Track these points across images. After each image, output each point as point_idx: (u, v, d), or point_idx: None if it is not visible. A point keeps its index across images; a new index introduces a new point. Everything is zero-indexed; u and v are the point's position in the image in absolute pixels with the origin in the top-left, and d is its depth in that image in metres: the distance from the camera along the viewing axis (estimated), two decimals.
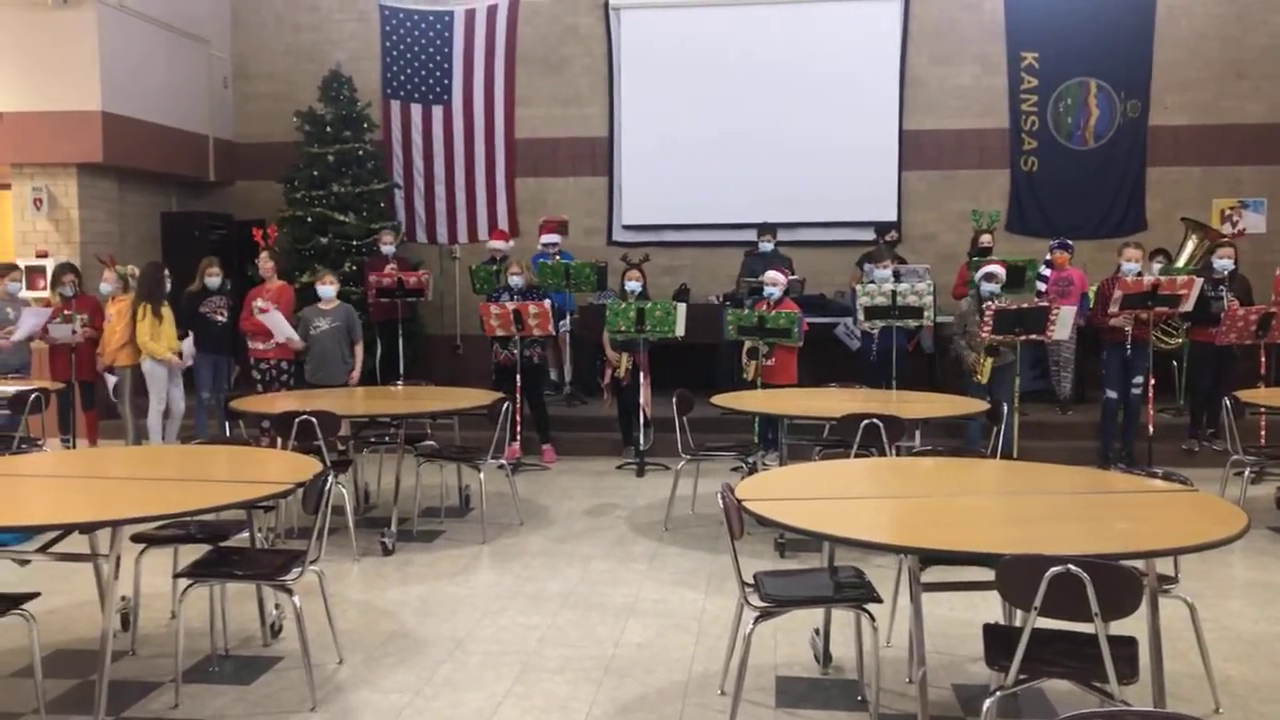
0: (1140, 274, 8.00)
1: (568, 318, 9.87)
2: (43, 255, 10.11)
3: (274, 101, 12.09)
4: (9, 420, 7.25)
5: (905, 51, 11.31)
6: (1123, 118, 11.06)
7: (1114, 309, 7.76)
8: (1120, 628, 2.95)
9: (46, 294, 9.23)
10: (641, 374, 8.46)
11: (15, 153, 10.14)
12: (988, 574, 3.08)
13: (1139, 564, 3.03)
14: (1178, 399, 9.49)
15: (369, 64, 11.85)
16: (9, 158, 10.21)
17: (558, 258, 9.95)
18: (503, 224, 11.74)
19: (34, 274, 9.76)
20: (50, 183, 10.22)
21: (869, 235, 10.68)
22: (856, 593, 3.68)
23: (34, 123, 10.03)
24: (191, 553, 4.33)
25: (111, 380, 8.46)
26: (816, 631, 4.36)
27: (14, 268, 8.66)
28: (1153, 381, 8.06)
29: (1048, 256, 9.27)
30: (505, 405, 6.51)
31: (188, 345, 8.29)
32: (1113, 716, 2.01)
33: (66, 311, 8.46)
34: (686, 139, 11.54)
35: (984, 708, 3.04)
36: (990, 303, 7.49)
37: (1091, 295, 8.83)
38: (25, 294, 8.84)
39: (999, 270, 7.84)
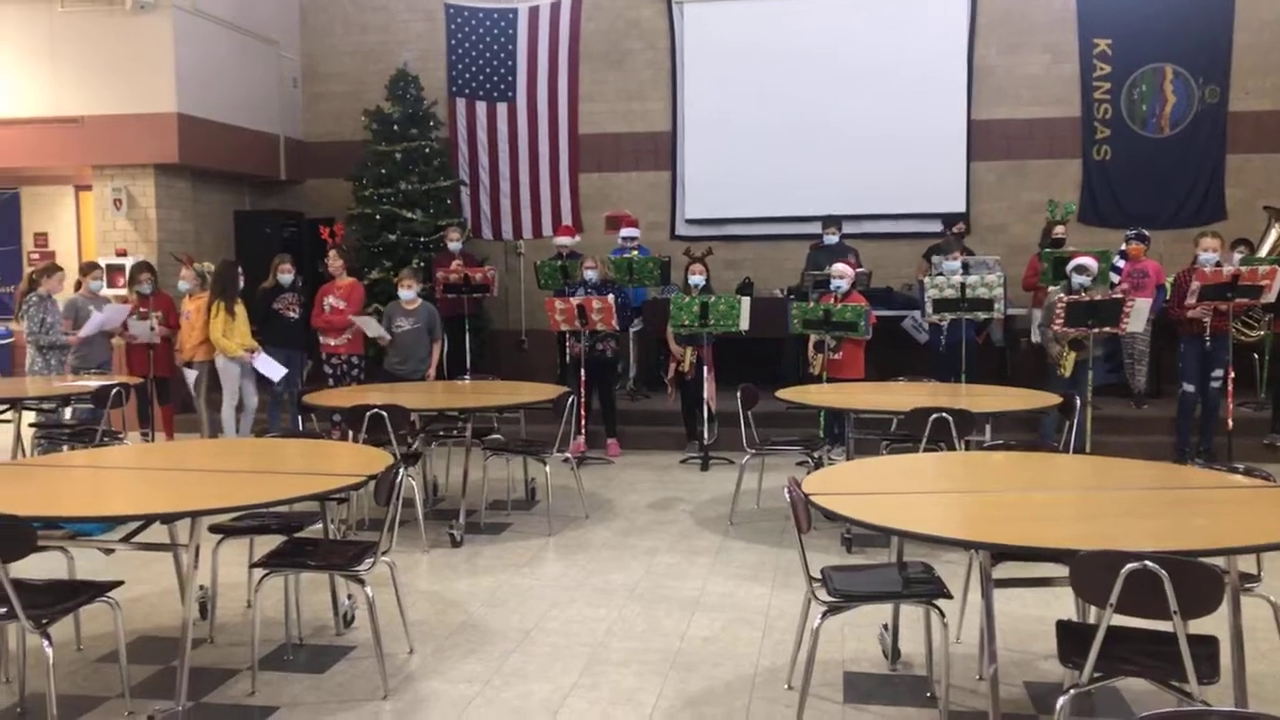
0: (1219, 264, 7.78)
1: (636, 319, 9.85)
2: (122, 254, 10.40)
3: (342, 101, 12.29)
4: (91, 414, 7.48)
5: (973, 41, 11.13)
6: (1200, 104, 10.77)
7: (1191, 300, 7.57)
8: (1200, 626, 2.88)
9: (124, 292, 9.49)
10: (705, 368, 8.45)
11: (95, 154, 10.44)
12: (1060, 570, 3.04)
13: (1220, 561, 2.95)
14: (1259, 392, 9.22)
15: (435, 63, 11.98)
16: (90, 159, 10.52)
17: (635, 252, 9.96)
18: (566, 220, 11.80)
19: (114, 272, 10.03)
20: (129, 183, 10.50)
21: (936, 227, 10.56)
22: (926, 588, 3.64)
23: (113, 125, 10.32)
24: (267, 543, 4.43)
25: (191, 375, 8.67)
26: (885, 627, 4.32)
27: (95, 266, 8.91)
28: (1232, 375, 7.84)
29: (1122, 247, 9.07)
30: (570, 399, 6.56)
31: (266, 364, 8.42)
32: (1194, 716, 1.97)
33: (143, 309, 8.68)
34: (750, 131, 11.49)
35: (1058, 705, 2.99)
36: (1062, 295, 7.34)
37: (1168, 287, 8.61)
38: (106, 292, 9.09)
39: (1091, 262, 7.65)
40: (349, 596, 4.74)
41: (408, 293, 8.14)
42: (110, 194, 10.53)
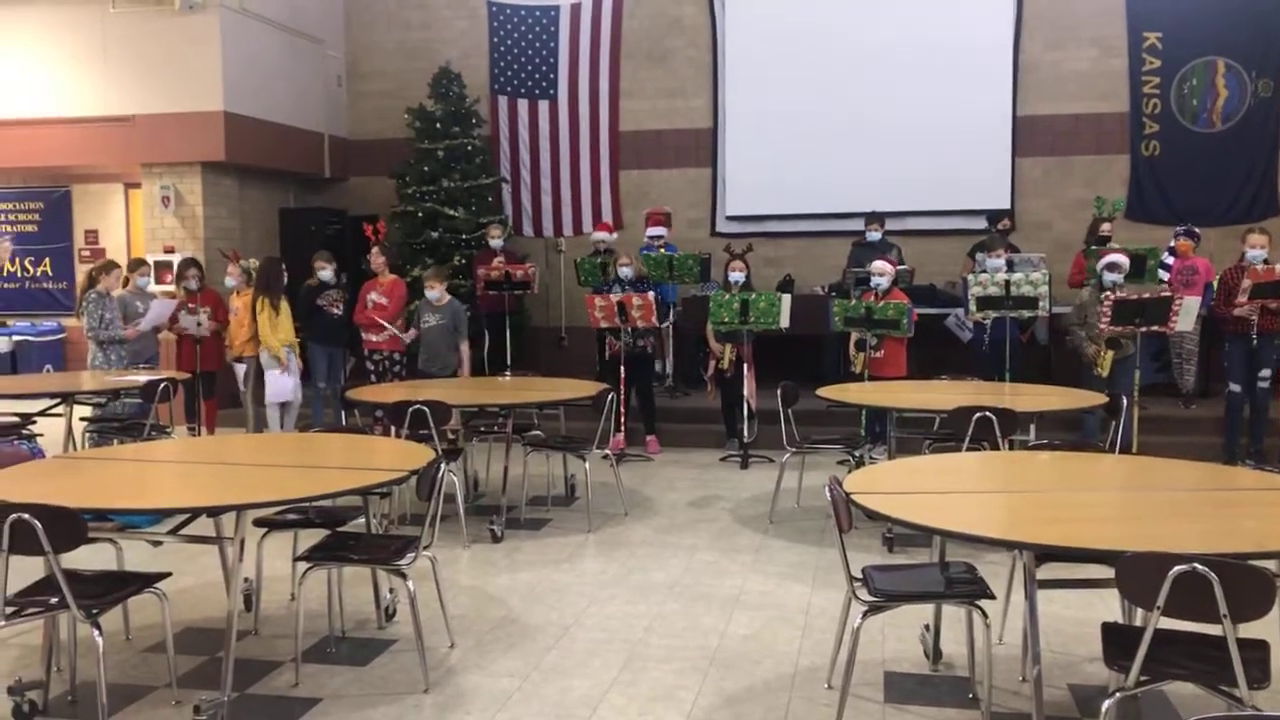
0: (1266, 260, 7.64)
1: (670, 311, 9.86)
2: (170, 251, 10.56)
3: (386, 99, 12.39)
4: (140, 408, 7.60)
5: (1019, 36, 11.00)
6: (1253, 98, 10.56)
7: (1242, 299, 7.44)
8: (1249, 630, 2.83)
9: (172, 288, 9.63)
10: (745, 366, 8.43)
11: (144, 153, 10.62)
12: (1105, 571, 2.99)
13: (1271, 564, 2.90)
14: None
15: (477, 60, 12.05)
16: (139, 158, 10.70)
17: (662, 250, 9.96)
18: (607, 216, 11.82)
19: (162, 269, 10.20)
20: (177, 181, 10.67)
21: (980, 224, 10.45)
22: (968, 588, 3.61)
23: (161, 124, 10.48)
24: (310, 537, 4.47)
25: (241, 369, 8.79)
26: (926, 627, 4.29)
27: (142, 263, 9.05)
28: None
29: (1171, 244, 8.92)
30: (610, 396, 6.57)
31: (287, 382, 8.57)
32: None
33: (191, 304, 8.81)
34: (792, 128, 11.44)
35: (1103, 709, 2.95)
36: (1109, 293, 7.24)
37: (1215, 285, 8.46)
38: (153, 288, 9.22)
39: (1123, 260, 7.56)
40: (391, 590, 4.78)
41: (434, 293, 8.14)
42: (159, 192, 10.70)
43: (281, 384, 8.46)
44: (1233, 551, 2.79)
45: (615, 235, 10.56)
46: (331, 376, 8.95)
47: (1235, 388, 7.89)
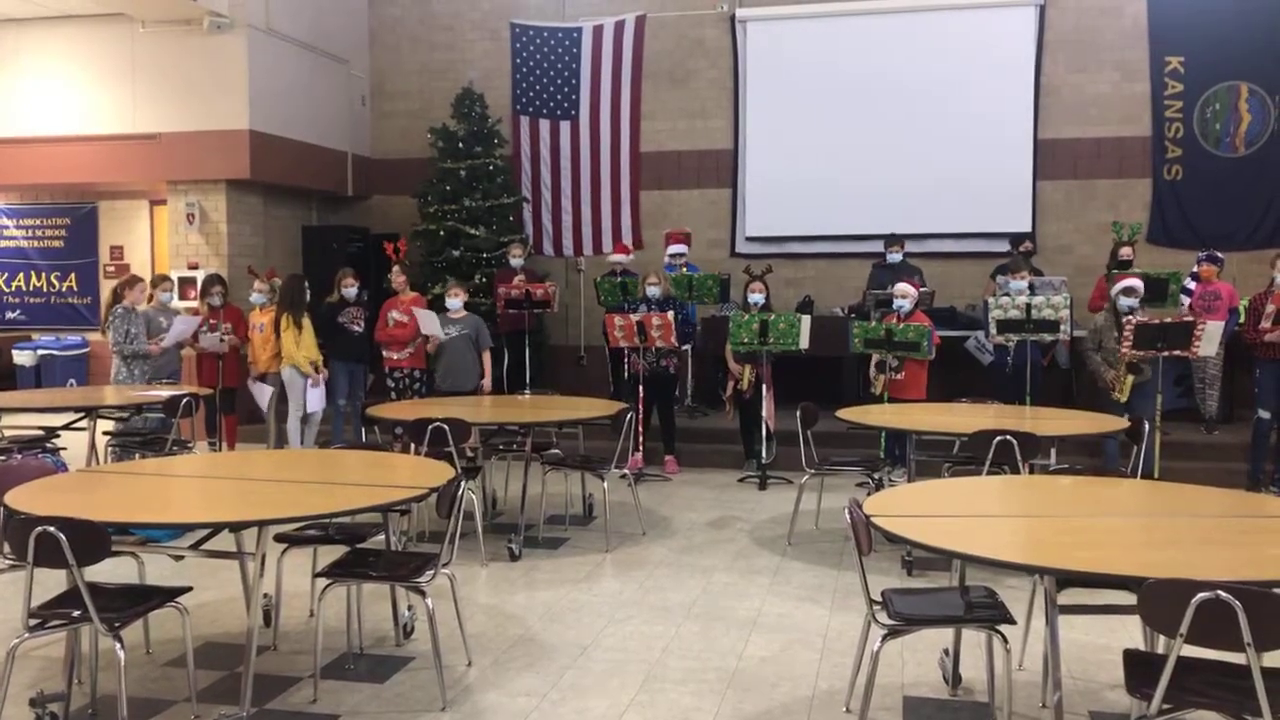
0: None
1: (692, 333, 9.85)
2: (193, 267, 10.65)
3: (409, 118, 12.49)
4: (162, 423, 7.66)
5: (1040, 60, 11.00)
6: (1277, 122, 10.51)
7: (1265, 324, 7.39)
8: (1274, 659, 2.80)
9: (195, 304, 9.70)
10: (764, 386, 8.42)
11: (171, 170, 10.73)
12: (1127, 598, 2.98)
13: None
14: None
15: (500, 81, 12.14)
16: (165, 175, 10.81)
17: (684, 269, 9.97)
18: (626, 236, 11.86)
19: (185, 285, 10.28)
20: (201, 198, 10.77)
21: (1002, 246, 10.44)
22: (989, 613, 3.59)
23: (187, 142, 10.60)
24: (330, 554, 4.49)
25: (267, 392, 8.80)
26: (946, 652, 4.26)
27: (165, 279, 9.12)
28: None
29: (1194, 269, 8.88)
30: (629, 415, 6.57)
31: (317, 393, 8.65)
32: None
33: (213, 321, 8.88)
34: (813, 149, 11.46)
35: None
36: (1130, 317, 7.20)
37: (1242, 310, 8.40)
38: (177, 304, 9.30)
39: (1138, 284, 7.52)
40: (409, 608, 4.79)
41: (455, 302, 8.25)
42: (183, 208, 10.80)
43: (314, 395, 8.53)
44: (1258, 579, 2.77)
45: (631, 256, 10.57)
46: (352, 393, 9.00)
47: (1264, 414, 7.81)
